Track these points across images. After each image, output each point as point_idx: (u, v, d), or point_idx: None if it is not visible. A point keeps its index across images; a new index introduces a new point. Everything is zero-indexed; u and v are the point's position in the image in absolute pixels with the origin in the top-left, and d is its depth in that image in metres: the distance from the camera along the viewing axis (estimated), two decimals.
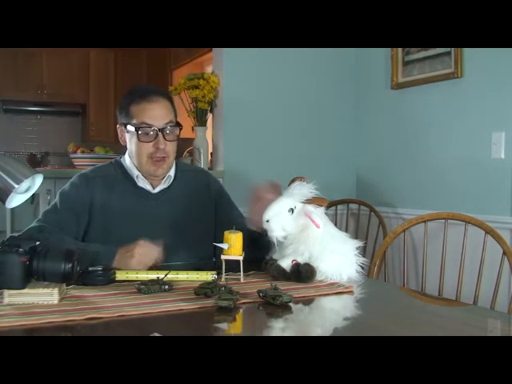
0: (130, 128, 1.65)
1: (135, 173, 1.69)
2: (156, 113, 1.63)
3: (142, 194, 1.70)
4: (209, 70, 3.83)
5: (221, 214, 1.79)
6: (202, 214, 1.76)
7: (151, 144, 1.63)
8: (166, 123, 1.64)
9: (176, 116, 1.71)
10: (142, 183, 1.70)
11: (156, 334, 0.98)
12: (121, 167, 1.73)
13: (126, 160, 1.73)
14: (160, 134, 1.62)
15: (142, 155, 1.65)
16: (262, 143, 3.04)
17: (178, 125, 1.69)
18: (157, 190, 1.71)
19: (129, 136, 1.68)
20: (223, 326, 1.16)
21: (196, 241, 1.69)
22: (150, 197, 1.70)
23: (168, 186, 1.73)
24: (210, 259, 1.67)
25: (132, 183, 1.70)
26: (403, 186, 2.95)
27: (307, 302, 1.28)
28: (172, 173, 1.73)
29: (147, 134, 1.63)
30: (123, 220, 1.65)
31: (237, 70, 2.99)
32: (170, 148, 1.66)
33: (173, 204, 1.72)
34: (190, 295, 1.25)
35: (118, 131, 1.73)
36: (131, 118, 1.65)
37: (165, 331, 1.08)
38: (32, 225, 1.63)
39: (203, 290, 1.24)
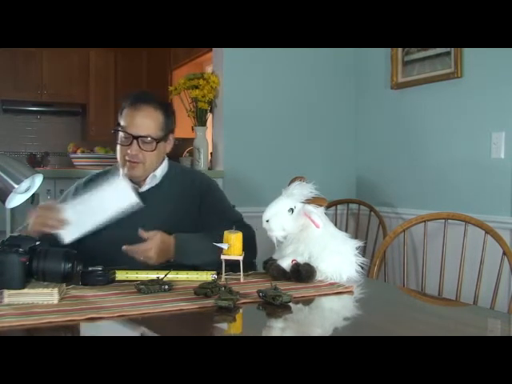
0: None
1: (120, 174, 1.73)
2: (136, 121, 1.68)
3: None
4: (209, 69, 3.82)
5: (205, 211, 1.78)
6: (188, 212, 1.76)
7: (127, 147, 1.68)
8: (144, 134, 1.67)
9: (165, 129, 1.72)
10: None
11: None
12: (116, 171, 1.76)
13: None
14: (135, 141, 1.66)
15: (120, 156, 1.72)
16: (261, 143, 3.04)
17: (157, 140, 1.68)
18: (144, 189, 1.74)
19: None
20: (223, 325, 1.16)
21: None
22: (138, 196, 1.72)
23: (157, 186, 1.75)
24: None
25: None
26: (403, 186, 2.94)
27: (307, 301, 1.28)
28: (158, 173, 1.75)
29: (125, 138, 1.69)
30: (112, 220, 1.67)
31: (237, 70, 2.99)
32: (146, 156, 1.69)
33: (160, 203, 1.74)
34: (190, 295, 1.25)
35: None
36: (121, 120, 1.71)
37: (165, 331, 1.08)
38: None
39: (203, 290, 1.24)
